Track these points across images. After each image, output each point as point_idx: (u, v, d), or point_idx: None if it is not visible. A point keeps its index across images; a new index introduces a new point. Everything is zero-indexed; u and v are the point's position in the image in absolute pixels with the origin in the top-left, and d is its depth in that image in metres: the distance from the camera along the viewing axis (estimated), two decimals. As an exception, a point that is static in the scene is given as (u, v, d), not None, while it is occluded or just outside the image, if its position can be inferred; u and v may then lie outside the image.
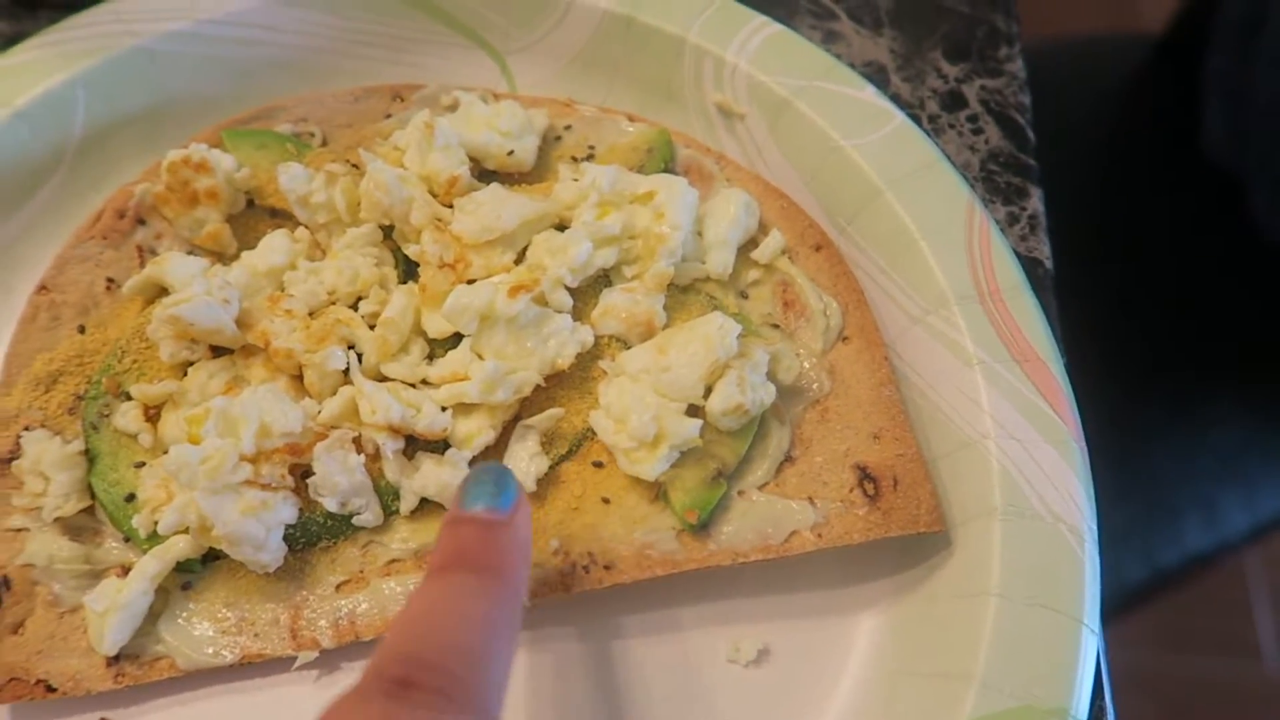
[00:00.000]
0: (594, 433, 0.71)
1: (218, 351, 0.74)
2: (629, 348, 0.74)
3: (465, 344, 0.72)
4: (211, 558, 0.69)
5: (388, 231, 0.78)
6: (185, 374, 0.73)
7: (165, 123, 0.85)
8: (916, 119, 0.87)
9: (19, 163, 0.81)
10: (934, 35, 0.98)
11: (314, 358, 0.71)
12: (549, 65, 0.90)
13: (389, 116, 0.86)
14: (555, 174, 0.83)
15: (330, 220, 0.78)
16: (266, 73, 0.87)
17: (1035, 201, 0.89)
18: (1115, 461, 1.25)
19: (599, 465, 0.71)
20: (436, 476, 0.69)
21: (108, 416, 0.72)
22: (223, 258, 0.79)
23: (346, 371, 0.71)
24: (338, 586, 0.69)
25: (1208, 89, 1.32)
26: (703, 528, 0.69)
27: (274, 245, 0.77)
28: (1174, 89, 1.40)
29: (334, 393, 0.71)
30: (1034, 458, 0.67)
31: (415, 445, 0.71)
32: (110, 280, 0.78)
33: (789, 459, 0.72)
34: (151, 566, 0.67)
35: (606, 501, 0.70)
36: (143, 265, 0.78)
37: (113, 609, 0.66)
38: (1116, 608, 1.30)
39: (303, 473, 0.70)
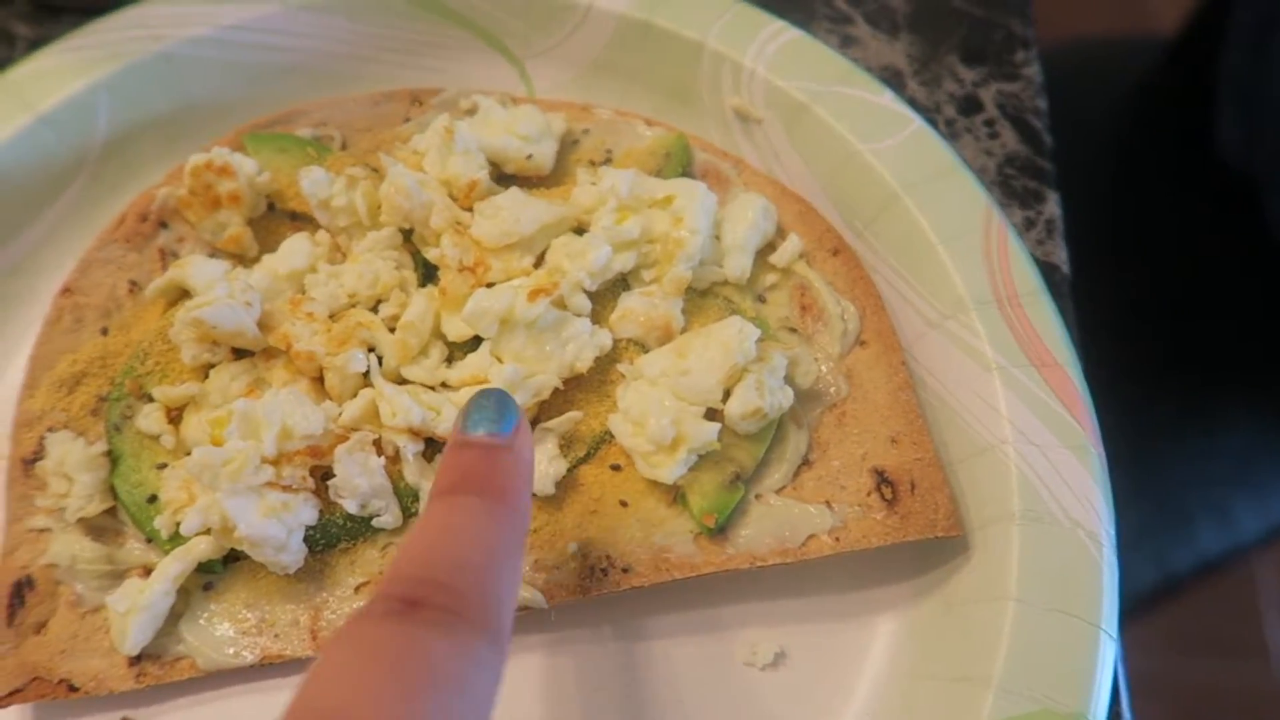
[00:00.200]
0: (612, 436, 0.72)
1: (239, 354, 0.74)
2: (647, 351, 0.75)
3: (485, 347, 0.73)
4: (232, 559, 0.70)
5: (407, 235, 0.78)
6: (207, 376, 0.74)
7: (187, 127, 0.86)
8: (933, 123, 0.87)
9: (43, 167, 0.82)
10: (950, 39, 0.98)
11: (335, 360, 0.71)
12: (567, 69, 0.90)
13: (408, 120, 0.87)
14: (573, 178, 0.83)
15: (351, 224, 0.78)
16: (287, 77, 0.88)
17: (1052, 206, 0.89)
18: (1127, 465, 1.24)
19: (617, 468, 0.72)
20: (456, 479, 0.70)
21: (130, 418, 0.73)
22: (244, 261, 0.80)
23: (367, 374, 0.72)
24: (357, 588, 0.70)
25: (1221, 90, 1.31)
26: (720, 531, 0.69)
27: (295, 248, 0.78)
28: (1186, 90, 1.39)
29: (354, 395, 0.72)
30: (1052, 463, 0.67)
31: (435, 448, 0.71)
32: (133, 283, 0.79)
33: (806, 463, 0.72)
34: (173, 567, 0.67)
35: (624, 504, 0.70)
36: (165, 268, 0.79)
37: (135, 609, 0.66)
38: (1127, 611, 1.30)
39: (323, 475, 0.70)
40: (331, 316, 0.75)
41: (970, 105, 0.94)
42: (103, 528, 0.71)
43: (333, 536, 0.70)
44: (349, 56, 0.90)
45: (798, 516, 0.69)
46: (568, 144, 0.86)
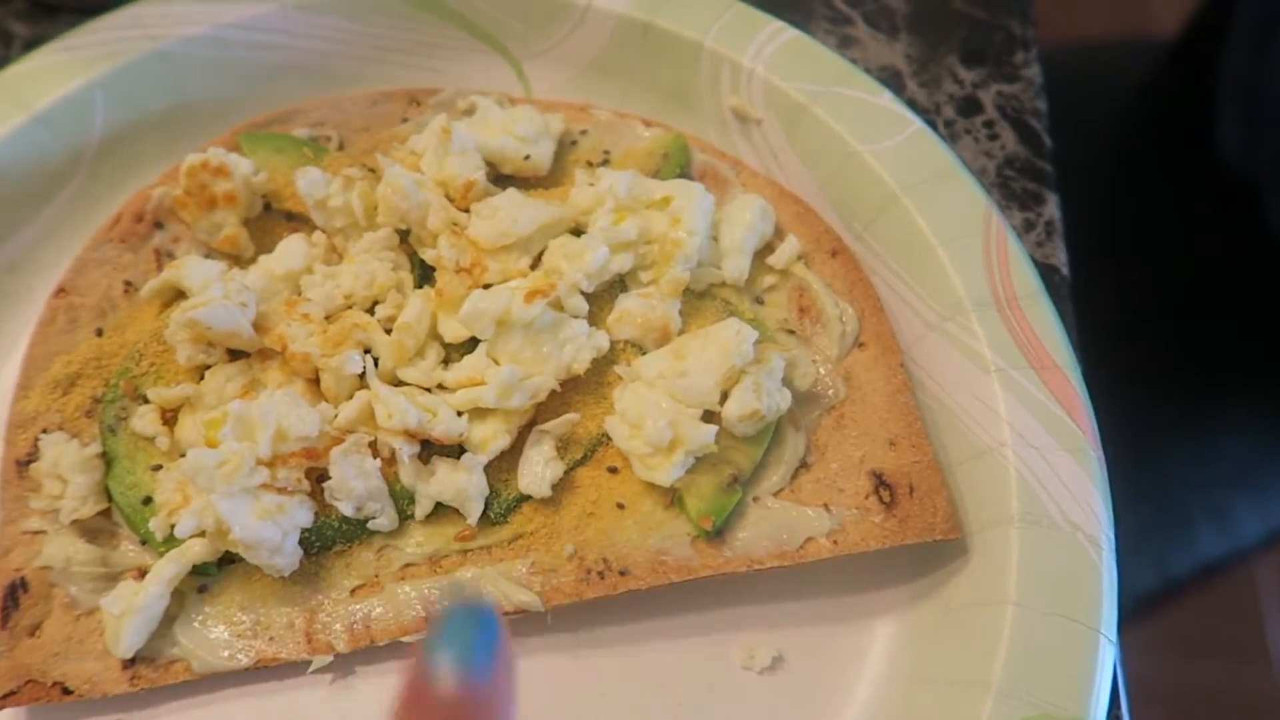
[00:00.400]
0: (609, 438, 0.72)
1: (234, 355, 0.74)
2: (644, 353, 0.74)
3: (481, 349, 0.72)
4: (227, 561, 0.70)
5: (404, 236, 0.78)
6: (202, 377, 0.74)
7: (183, 126, 0.85)
8: (932, 124, 0.87)
9: (39, 166, 0.81)
10: (950, 40, 0.98)
11: (331, 362, 0.71)
12: (565, 70, 0.90)
13: (405, 120, 0.86)
14: (571, 178, 0.83)
15: (347, 224, 0.78)
16: (283, 77, 0.88)
17: (1052, 208, 0.88)
18: (1128, 468, 1.24)
19: (614, 470, 0.71)
20: (452, 481, 0.69)
21: (125, 419, 0.73)
22: (240, 261, 0.79)
23: (363, 376, 0.71)
24: (352, 591, 0.69)
25: (1221, 92, 1.31)
26: (718, 534, 0.69)
27: (291, 249, 0.77)
28: (1187, 91, 1.39)
29: (350, 397, 0.71)
30: (1051, 466, 0.67)
31: (431, 450, 0.71)
32: (128, 283, 0.78)
33: (804, 465, 0.72)
34: (168, 569, 0.67)
35: (621, 507, 0.70)
36: (160, 268, 0.79)
37: (129, 612, 0.66)
38: (1127, 614, 1.29)
39: (319, 477, 0.70)
40: (327, 318, 0.74)
41: (970, 106, 0.94)
42: (97, 530, 0.71)
43: (328, 539, 0.70)
44: (346, 56, 0.89)
45: (795, 519, 0.69)
46: (565, 144, 0.85)
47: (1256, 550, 1.30)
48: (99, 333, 0.77)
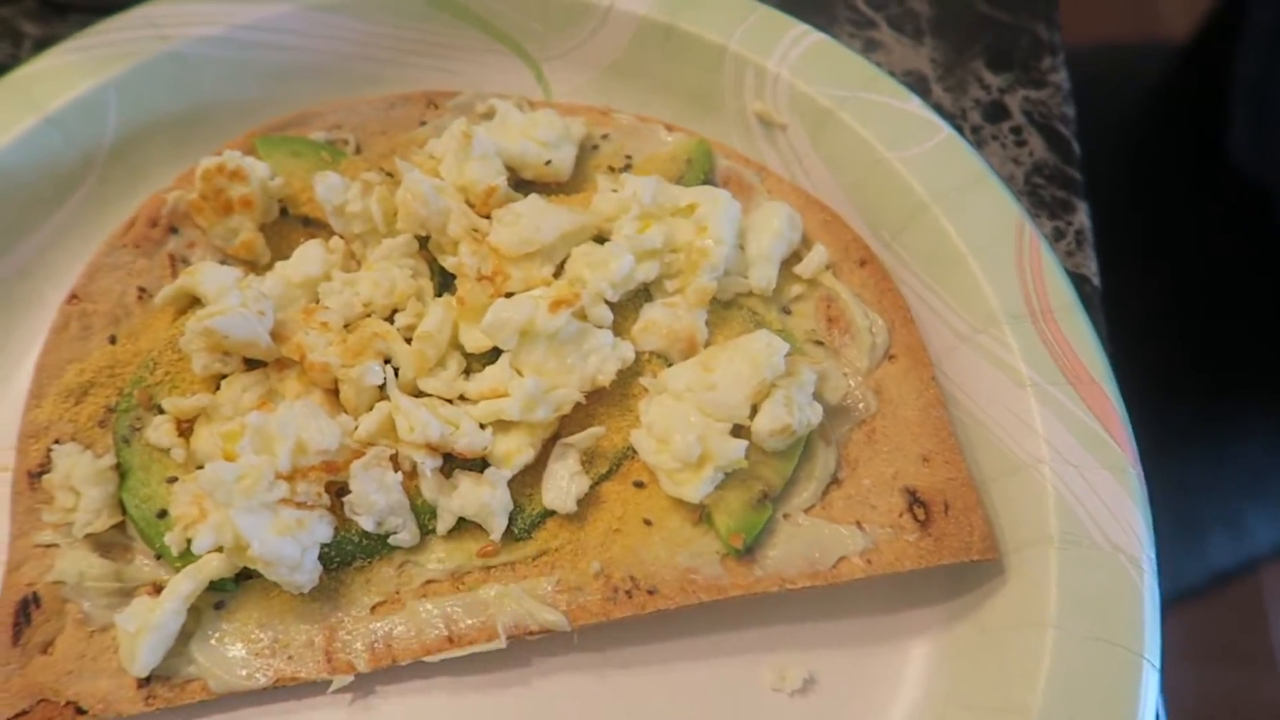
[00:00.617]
0: (635, 451, 0.70)
1: (251, 364, 0.72)
2: (670, 364, 0.73)
3: (504, 360, 0.71)
4: (245, 577, 0.68)
5: (424, 242, 0.76)
6: (218, 387, 0.72)
7: (198, 128, 0.84)
8: (959, 130, 0.85)
9: (50, 169, 0.80)
10: (976, 45, 0.96)
11: (350, 373, 0.69)
12: (585, 72, 0.88)
13: (423, 123, 0.85)
14: (593, 184, 0.81)
15: (366, 230, 0.76)
16: (299, 78, 0.86)
17: (1082, 216, 0.87)
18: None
19: (640, 485, 0.70)
20: (475, 496, 0.68)
21: (139, 430, 0.71)
22: (256, 267, 0.78)
23: (383, 387, 0.70)
24: (373, 608, 0.67)
25: (1234, 96, 1.30)
26: (748, 552, 0.67)
27: (308, 255, 0.76)
28: (1199, 93, 1.38)
29: (370, 408, 0.70)
30: (1090, 484, 0.65)
31: (453, 463, 0.69)
32: (142, 290, 0.77)
33: (836, 481, 0.70)
34: (184, 586, 0.65)
35: (648, 523, 0.68)
36: (175, 274, 0.77)
37: (145, 629, 0.64)
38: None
39: (338, 491, 0.68)
40: (346, 326, 0.73)
41: (997, 112, 0.92)
42: (111, 543, 0.69)
43: (348, 554, 0.68)
44: (363, 57, 0.88)
45: (828, 537, 0.67)
46: (587, 149, 0.84)
47: (1269, 559, 1.29)
48: (112, 340, 0.75)
